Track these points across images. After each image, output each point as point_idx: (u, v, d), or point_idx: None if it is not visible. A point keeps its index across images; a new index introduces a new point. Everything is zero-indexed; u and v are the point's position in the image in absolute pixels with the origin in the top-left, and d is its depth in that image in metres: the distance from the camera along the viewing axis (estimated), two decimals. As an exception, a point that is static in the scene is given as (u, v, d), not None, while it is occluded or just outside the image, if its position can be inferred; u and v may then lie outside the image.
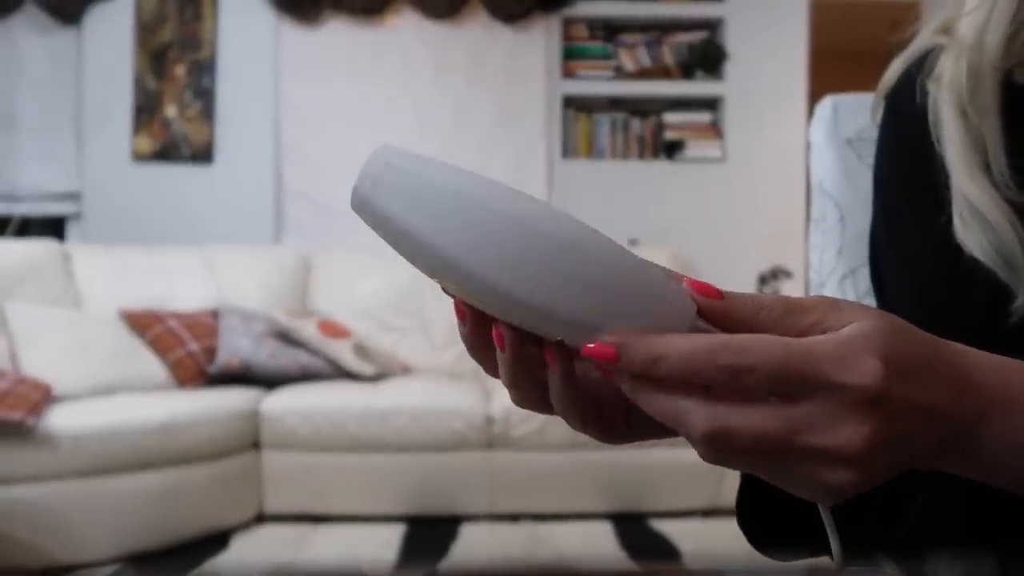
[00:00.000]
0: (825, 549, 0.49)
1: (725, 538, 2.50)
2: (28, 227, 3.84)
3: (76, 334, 2.75)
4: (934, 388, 0.35)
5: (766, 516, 0.47)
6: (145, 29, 3.83)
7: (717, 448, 0.32)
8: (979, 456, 0.36)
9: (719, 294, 0.35)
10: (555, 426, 2.61)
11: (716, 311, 0.35)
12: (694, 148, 3.96)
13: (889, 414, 0.32)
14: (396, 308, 3.35)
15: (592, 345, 0.33)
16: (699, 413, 0.32)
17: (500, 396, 2.74)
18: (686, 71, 4.01)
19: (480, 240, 0.33)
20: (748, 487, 0.48)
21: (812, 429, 0.32)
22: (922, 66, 0.58)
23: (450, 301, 0.36)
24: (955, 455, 0.36)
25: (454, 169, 0.34)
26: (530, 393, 0.37)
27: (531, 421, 2.65)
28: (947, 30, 0.57)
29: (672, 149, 3.97)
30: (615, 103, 4.02)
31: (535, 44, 3.94)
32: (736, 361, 0.32)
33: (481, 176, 0.34)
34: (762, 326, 0.34)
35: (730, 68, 3.96)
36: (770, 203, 3.88)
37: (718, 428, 0.32)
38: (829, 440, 0.32)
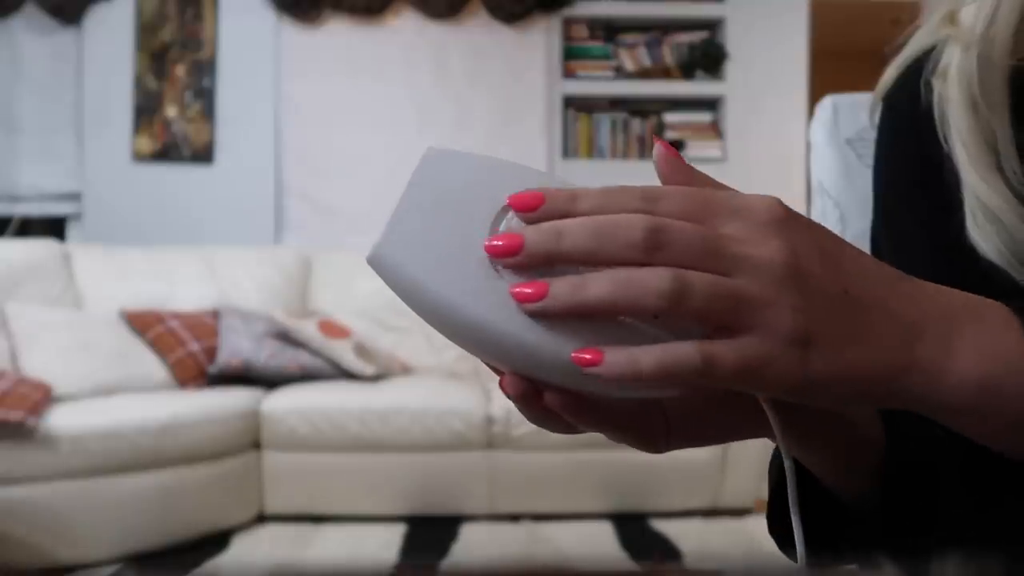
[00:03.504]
0: (854, 555, 0.48)
1: (725, 538, 2.50)
2: (28, 227, 3.84)
3: (76, 334, 2.75)
4: (861, 262, 0.35)
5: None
6: (145, 29, 3.84)
7: (656, 247, 0.32)
8: (958, 373, 0.34)
9: (678, 155, 0.37)
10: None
11: (686, 176, 0.36)
12: (694, 148, 3.96)
13: (801, 239, 0.33)
14: (396, 308, 3.34)
15: (516, 196, 0.34)
16: (639, 216, 0.32)
17: (500, 396, 2.73)
18: (686, 71, 4.01)
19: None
20: (779, 493, 0.48)
21: (739, 242, 0.32)
22: (920, 67, 0.57)
23: None
24: (928, 368, 0.34)
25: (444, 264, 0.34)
26: (556, 424, 0.37)
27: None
28: (952, 20, 0.55)
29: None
30: (615, 103, 4.02)
31: (535, 44, 3.94)
32: (649, 189, 0.34)
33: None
34: None
35: (730, 68, 3.96)
36: (770, 203, 3.87)
37: (657, 223, 0.32)
38: (755, 250, 0.32)
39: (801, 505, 0.43)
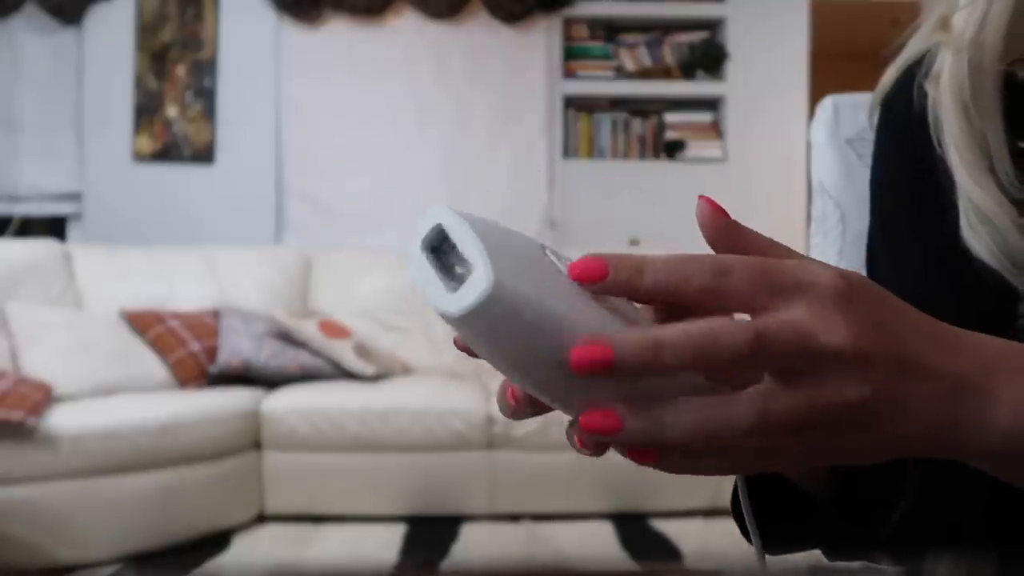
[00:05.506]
0: (819, 545, 0.50)
1: (725, 538, 2.49)
2: (29, 227, 3.84)
3: (77, 334, 2.75)
4: (912, 324, 0.35)
5: (761, 513, 0.48)
6: (146, 29, 3.84)
7: (760, 352, 0.31)
8: (997, 425, 0.34)
9: (723, 211, 0.36)
10: (555, 426, 2.61)
11: (731, 234, 0.36)
12: (695, 148, 3.96)
13: (862, 314, 0.33)
14: (396, 308, 3.35)
15: (576, 265, 0.33)
16: (736, 324, 0.31)
17: (501, 396, 2.73)
18: (687, 71, 4.01)
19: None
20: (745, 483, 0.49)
21: (818, 330, 0.32)
22: (917, 71, 0.57)
23: None
24: (970, 422, 0.34)
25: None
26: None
27: (532, 421, 2.65)
28: (944, 25, 0.56)
29: (673, 149, 3.97)
30: (616, 103, 4.02)
31: (536, 44, 3.94)
32: (716, 262, 0.32)
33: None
34: None
35: (731, 68, 3.96)
36: (770, 203, 3.87)
37: (760, 328, 0.31)
38: (832, 337, 0.32)
39: (763, 497, 0.45)
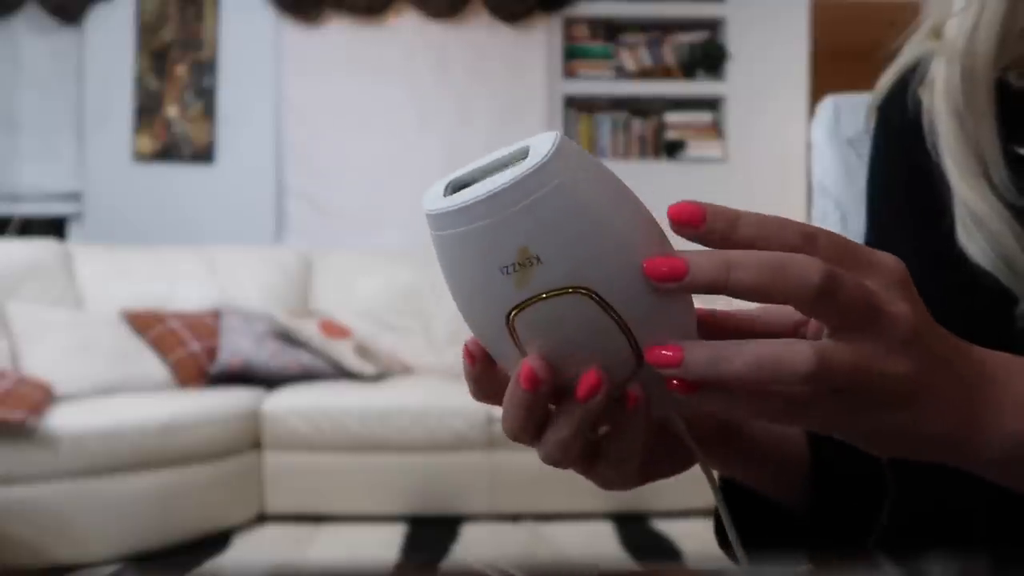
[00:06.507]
0: (797, 552, 0.50)
1: (726, 538, 2.49)
2: (29, 227, 3.84)
3: (77, 334, 2.75)
4: (945, 336, 0.36)
5: (741, 522, 0.48)
6: (146, 29, 3.83)
7: (831, 294, 0.31)
8: (1003, 432, 0.35)
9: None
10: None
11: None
12: (695, 148, 3.96)
13: (916, 300, 0.34)
14: (397, 308, 3.35)
15: (676, 208, 0.33)
16: (810, 259, 0.32)
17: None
18: (687, 71, 4.00)
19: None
20: (724, 493, 0.49)
21: (885, 299, 0.33)
22: (912, 77, 0.57)
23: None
24: (978, 431, 0.35)
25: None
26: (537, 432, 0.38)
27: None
28: (937, 33, 0.56)
29: (673, 149, 3.97)
30: (616, 103, 4.02)
31: (536, 44, 3.93)
32: (803, 226, 0.34)
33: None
34: None
35: (731, 68, 3.96)
36: (771, 203, 3.87)
37: (834, 271, 0.32)
38: (896, 307, 0.33)
39: (739, 511, 0.46)
